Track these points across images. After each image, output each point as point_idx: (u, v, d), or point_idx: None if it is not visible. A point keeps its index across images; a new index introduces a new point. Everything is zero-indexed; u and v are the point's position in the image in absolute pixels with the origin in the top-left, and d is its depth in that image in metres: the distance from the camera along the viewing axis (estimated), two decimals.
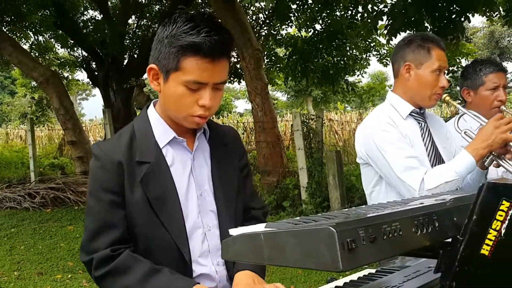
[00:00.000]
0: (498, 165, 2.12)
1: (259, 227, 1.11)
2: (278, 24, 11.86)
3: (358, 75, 13.31)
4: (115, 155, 1.51)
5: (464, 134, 2.22)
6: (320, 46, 11.22)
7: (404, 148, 2.13)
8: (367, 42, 12.14)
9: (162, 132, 1.60)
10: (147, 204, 1.49)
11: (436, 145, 2.31)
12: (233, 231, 1.12)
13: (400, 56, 2.31)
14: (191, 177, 1.60)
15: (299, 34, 12.04)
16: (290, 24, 11.81)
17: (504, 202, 1.11)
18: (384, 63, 12.36)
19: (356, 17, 10.58)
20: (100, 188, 1.50)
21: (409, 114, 2.29)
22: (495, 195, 1.11)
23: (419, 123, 2.31)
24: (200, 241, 1.58)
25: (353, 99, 18.06)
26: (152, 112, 1.64)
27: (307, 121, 8.46)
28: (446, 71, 2.30)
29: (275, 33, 12.43)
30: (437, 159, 2.25)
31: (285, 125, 14.88)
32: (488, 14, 8.48)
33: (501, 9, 8.25)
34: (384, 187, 2.25)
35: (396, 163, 2.09)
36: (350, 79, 13.75)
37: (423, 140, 2.28)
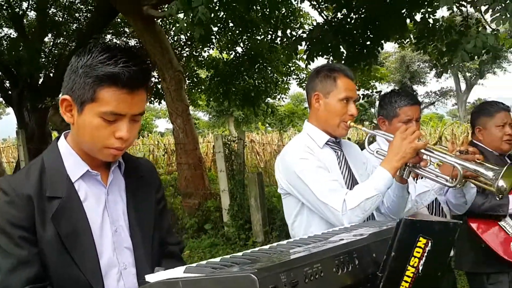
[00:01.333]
0: (416, 175, 2.20)
1: (178, 272, 1.05)
2: (200, 46, 11.83)
3: (279, 98, 13.56)
4: (24, 189, 1.43)
5: (376, 154, 2.29)
6: (242, 68, 11.32)
7: (323, 173, 2.16)
8: (288, 66, 12.42)
9: (74, 166, 1.52)
10: (59, 242, 1.42)
11: (353, 172, 2.36)
12: (150, 277, 1.05)
13: (310, 86, 2.38)
14: (105, 213, 1.53)
15: (221, 56, 12.09)
16: (211, 46, 11.83)
17: (421, 238, 1.12)
18: (304, 87, 12.68)
19: (276, 41, 10.81)
20: (9, 224, 1.40)
21: (326, 143, 2.34)
22: (412, 232, 1.13)
23: (335, 151, 2.35)
24: (115, 280, 1.50)
25: (274, 122, 18.37)
26: (63, 144, 1.55)
27: (229, 143, 8.45)
28: (359, 98, 2.38)
29: (196, 54, 12.38)
30: (354, 186, 2.28)
31: (207, 146, 14.81)
32: (400, 41, 8.97)
33: (412, 36, 8.75)
34: (306, 216, 2.26)
35: (317, 187, 2.11)
36: (272, 101, 13.97)
37: (340, 168, 2.32)
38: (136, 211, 1.58)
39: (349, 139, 5.11)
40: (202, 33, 5.25)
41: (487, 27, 5.72)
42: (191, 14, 4.76)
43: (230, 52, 11.86)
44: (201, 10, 4.72)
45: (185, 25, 4.97)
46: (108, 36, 13.05)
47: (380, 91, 8.39)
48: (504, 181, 1.95)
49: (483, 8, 4.68)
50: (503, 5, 4.03)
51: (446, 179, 2.12)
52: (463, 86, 41.68)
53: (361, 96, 8.00)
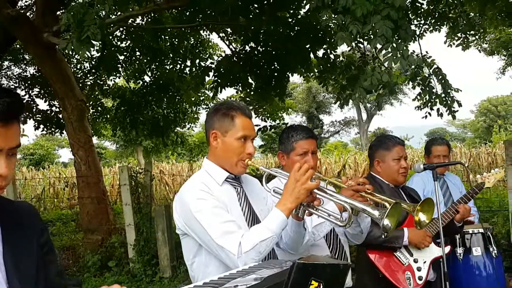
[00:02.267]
0: (310, 214, 2.24)
1: None
2: (105, 75, 11.51)
3: (188, 128, 13.47)
4: None
5: (273, 193, 2.31)
6: (150, 97, 11.15)
7: (220, 214, 2.14)
8: (197, 95, 12.45)
9: None
10: None
11: (253, 208, 2.37)
12: None
13: (209, 124, 2.39)
14: None
15: (128, 85, 11.84)
16: (117, 75, 11.55)
17: (313, 282, 1.13)
18: None
19: (185, 71, 10.81)
20: None
21: (225, 180, 2.34)
22: (305, 275, 1.13)
23: (235, 188, 2.36)
24: None
25: (183, 152, 18.21)
26: None
27: (135, 175, 8.20)
28: (257, 135, 2.41)
29: (101, 83, 12.02)
30: (255, 222, 2.29)
31: (113, 177, 14.30)
32: (305, 74, 9.34)
33: (315, 70, 9.14)
34: (204, 257, 2.23)
35: (213, 229, 2.09)
36: (181, 130, 13.86)
37: (240, 205, 2.32)
38: (15, 262, 1.45)
39: (253, 171, 5.16)
40: (89, 52, 5.15)
41: (383, 65, 6.14)
42: (81, 32, 4.64)
43: (138, 81, 11.65)
44: (92, 29, 4.63)
45: (72, 42, 4.81)
46: (6, 63, 12.35)
47: (287, 123, 8.64)
48: (389, 220, 2.04)
49: (379, 46, 5.02)
50: (394, 45, 4.34)
51: (337, 217, 2.20)
52: (364, 116, 44.37)
53: (268, 127, 8.17)
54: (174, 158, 26.90)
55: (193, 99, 12.13)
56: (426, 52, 7.55)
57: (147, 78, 11.50)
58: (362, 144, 40.36)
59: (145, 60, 11.03)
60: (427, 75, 7.49)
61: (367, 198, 2.44)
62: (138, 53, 10.95)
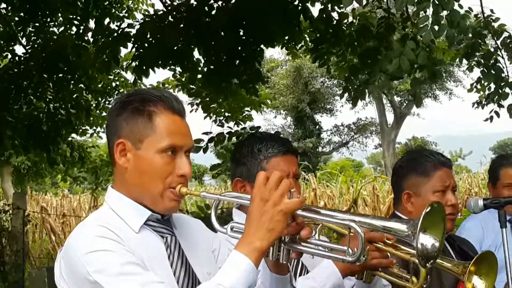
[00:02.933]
0: (299, 255, 2.28)
1: None
2: None
3: (91, 134, 13.37)
4: None
5: (231, 231, 2.33)
6: (25, 82, 11.03)
7: (136, 274, 2.15)
8: (108, 80, 12.38)
9: None
10: None
11: (193, 269, 2.39)
12: None
13: (112, 129, 2.41)
14: None
15: None
16: None
17: None
18: None
19: (87, 37, 10.72)
20: None
21: (145, 224, 2.35)
22: None
23: (162, 237, 2.39)
24: None
25: (83, 176, 17.96)
26: None
27: None
28: (194, 146, 2.44)
29: None
30: None
31: None
32: (290, 44, 9.39)
33: (307, 38, 9.19)
34: None
35: None
36: (79, 138, 13.74)
37: (171, 264, 2.34)
38: None
39: (199, 209, 5.15)
40: None
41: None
42: None
43: (4, 54, 11.54)
44: None
45: None
46: None
47: (258, 127, 8.65)
48: (429, 235, 2.07)
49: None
50: (436, 1, 4.40)
51: (343, 251, 2.19)
52: (390, 117, 44.79)
53: (227, 135, 8.16)
54: (66, 187, 26.61)
55: (100, 85, 12.06)
56: (491, 11, 7.67)
57: (19, 49, 11.40)
58: (387, 164, 40.79)
59: (16, 18, 10.92)
60: (492, 49, 7.67)
61: (386, 252, 2.55)
62: (3, 5, 10.83)
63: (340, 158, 56.87)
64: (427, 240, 2.06)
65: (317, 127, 47.52)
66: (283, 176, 2.17)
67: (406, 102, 43.55)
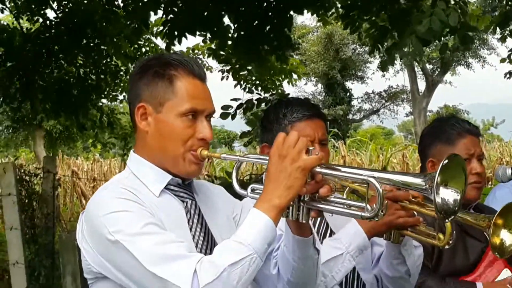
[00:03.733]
0: (319, 214, 2.24)
1: None
2: None
3: (121, 100, 13.40)
4: None
5: (251, 194, 2.31)
6: (55, 47, 11.08)
7: (156, 232, 2.16)
8: (138, 45, 12.38)
9: None
10: None
11: (212, 234, 2.41)
12: None
13: (132, 93, 2.42)
14: None
15: (18, 25, 11.76)
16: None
17: None
18: None
19: (116, 3, 10.71)
20: None
21: (165, 188, 2.36)
22: None
23: (182, 201, 2.41)
24: None
25: (112, 142, 18.03)
26: None
27: (28, 179, 8.19)
28: (211, 113, 2.43)
29: None
30: None
31: None
32: (320, 12, 9.31)
33: (338, 5, 9.11)
34: None
35: (147, 254, 2.10)
36: (110, 103, 13.78)
37: (190, 228, 2.36)
38: None
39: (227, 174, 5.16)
40: None
41: None
42: None
43: (35, 19, 11.56)
44: None
45: None
46: None
47: (288, 94, 8.62)
48: (450, 188, 2.04)
49: None
50: None
51: (362, 207, 2.15)
52: (422, 85, 44.43)
53: (255, 102, 8.13)
54: (98, 151, 26.76)
55: (130, 50, 12.07)
56: None
57: (51, 14, 11.41)
58: (417, 132, 40.52)
59: None
60: None
61: (412, 210, 2.55)
62: None
63: (370, 126, 56.62)
64: (447, 194, 2.03)
65: (348, 94, 47.28)
66: (301, 136, 2.16)
67: (438, 69, 43.12)
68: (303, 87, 47.79)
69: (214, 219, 2.46)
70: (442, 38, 6.83)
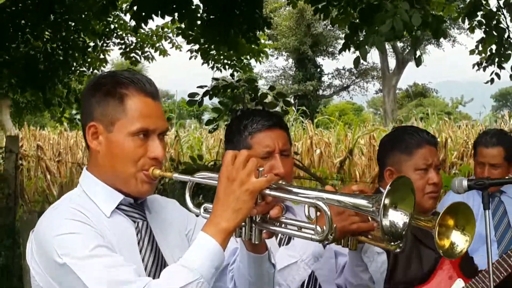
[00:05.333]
0: (271, 235, 2.24)
1: None
2: None
3: (90, 74, 13.29)
4: None
5: (204, 213, 2.30)
6: (22, 21, 10.94)
7: (105, 254, 2.15)
8: (106, 22, 12.25)
9: None
10: None
11: (163, 255, 2.40)
12: None
13: (85, 112, 2.40)
14: None
15: None
16: None
17: None
18: (133, 57, 12.64)
19: None
20: None
21: (116, 209, 2.35)
22: None
23: (134, 221, 2.39)
24: None
25: (79, 118, 17.89)
26: None
27: None
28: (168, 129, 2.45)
29: None
30: None
31: None
32: None
33: None
34: None
35: (93, 277, 2.09)
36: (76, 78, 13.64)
37: (140, 251, 2.35)
38: None
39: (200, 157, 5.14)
40: None
41: None
42: None
43: None
44: None
45: None
46: None
47: (254, 80, 8.59)
48: (399, 210, 2.04)
49: None
50: None
51: (312, 229, 2.15)
52: (392, 63, 44.52)
53: (220, 84, 8.10)
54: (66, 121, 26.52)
55: (99, 26, 11.96)
56: None
57: None
58: (387, 110, 40.69)
59: None
60: (494, 8, 7.54)
61: (366, 216, 2.49)
62: None
63: (339, 102, 56.72)
64: (396, 217, 2.03)
65: (318, 70, 47.25)
66: (250, 155, 2.14)
67: (409, 48, 43.21)
68: (274, 62, 47.75)
69: (165, 239, 2.45)
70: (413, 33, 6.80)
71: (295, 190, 2.19)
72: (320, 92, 48.41)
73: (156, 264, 2.37)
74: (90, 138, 2.36)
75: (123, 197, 2.36)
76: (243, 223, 2.17)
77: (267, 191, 2.14)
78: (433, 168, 3.46)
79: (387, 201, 1.98)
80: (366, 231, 2.62)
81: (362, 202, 2.05)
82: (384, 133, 18.11)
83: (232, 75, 10.75)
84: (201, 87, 7.95)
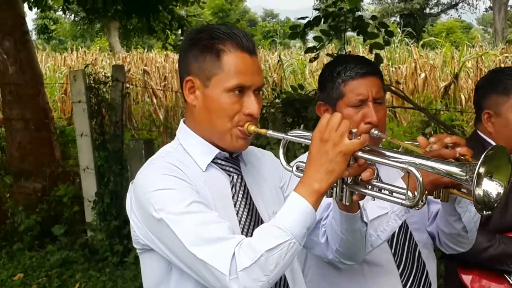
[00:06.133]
0: (362, 197, 2.23)
1: None
2: None
3: (194, 2, 13.30)
4: None
5: (296, 171, 2.30)
6: None
7: (200, 211, 2.18)
8: None
9: None
10: None
11: (258, 210, 2.42)
12: None
13: (182, 66, 2.40)
14: None
15: None
16: None
17: None
18: None
19: None
20: None
21: (212, 162, 2.39)
22: None
23: (229, 175, 2.42)
24: None
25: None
26: None
27: (97, 86, 8.29)
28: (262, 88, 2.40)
29: None
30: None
31: (62, 89, 14.47)
32: None
33: None
34: (174, 285, 2.30)
35: (189, 235, 2.13)
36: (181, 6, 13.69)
37: (234, 205, 2.37)
38: None
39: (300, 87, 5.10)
40: None
41: None
42: None
43: None
44: None
45: None
46: None
47: (356, 10, 8.41)
48: (490, 183, 1.99)
49: None
50: None
51: (404, 193, 2.13)
52: None
53: (322, 17, 7.96)
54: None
55: None
56: None
57: None
58: (497, 29, 39.20)
59: None
60: None
61: None
62: None
63: (447, 19, 55.07)
64: (491, 186, 1.99)
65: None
66: (344, 117, 2.12)
67: None
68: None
69: (260, 193, 2.47)
70: None
71: (388, 153, 2.16)
72: (427, 10, 47.07)
73: (250, 218, 2.40)
74: (187, 92, 2.38)
75: (218, 151, 2.38)
76: (335, 184, 2.17)
77: (360, 154, 2.11)
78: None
79: (481, 170, 1.94)
80: (458, 185, 2.59)
81: (456, 170, 2.00)
82: (493, 57, 17.63)
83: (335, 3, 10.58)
84: (302, 18, 7.83)
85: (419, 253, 2.93)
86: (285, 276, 2.41)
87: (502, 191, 2.00)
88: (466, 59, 16.62)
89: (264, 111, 7.27)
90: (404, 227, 2.91)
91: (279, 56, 16.31)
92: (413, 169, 2.04)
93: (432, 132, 9.62)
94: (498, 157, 1.99)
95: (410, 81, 15.28)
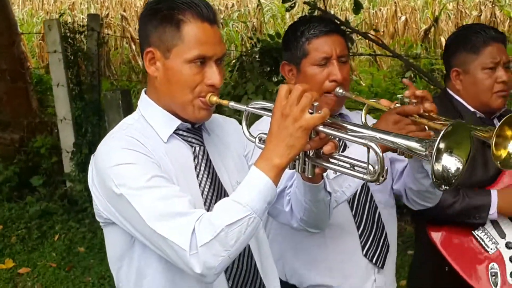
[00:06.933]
0: (323, 170, 2.25)
1: None
2: None
3: None
4: None
5: (259, 143, 2.30)
6: None
7: (160, 185, 2.19)
8: None
9: None
10: None
11: (221, 181, 2.42)
12: None
13: (142, 36, 2.38)
14: None
15: None
16: None
17: None
18: None
19: None
20: None
21: (174, 133, 2.37)
22: None
23: (191, 146, 2.41)
24: None
25: None
26: None
27: (72, 35, 8.20)
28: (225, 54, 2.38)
29: None
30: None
31: (40, 35, 14.28)
32: None
33: None
34: (138, 258, 2.32)
35: (149, 210, 2.14)
36: None
37: (197, 176, 2.37)
38: None
39: None
40: None
41: None
42: None
43: None
44: None
45: None
46: None
47: None
48: (454, 156, 2.01)
49: None
50: None
51: (365, 168, 2.14)
52: None
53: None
54: None
55: None
56: None
57: None
58: None
59: None
60: None
61: (423, 125, 2.50)
62: None
63: None
64: (450, 162, 2.00)
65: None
66: (306, 89, 2.09)
67: None
68: None
69: (223, 163, 2.47)
70: None
71: (349, 127, 2.15)
72: None
73: (213, 189, 2.39)
74: (147, 64, 2.35)
75: (180, 122, 2.37)
76: (297, 157, 2.17)
77: (321, 128, 2.10)
78: (501, 66, 3.35)
79: (441, 146, 1.96)
80: None
81: (416, 145, 2.01)
82: None
83: None
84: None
85: (379, 214, 2.97)
86: (249, 248, 2.43)
87: (461, 167, 2.01)
88: (447, 1, 16.47)
89: (241, 60, 7.24)
90: (365, 188, 2.94)
91: (259, 0, 16.08)
92: (373, 144, 2.05)
93: (412, 76, 9.59)
94: (458, 133, 2.01)
95: (391, 24, 15.17)
